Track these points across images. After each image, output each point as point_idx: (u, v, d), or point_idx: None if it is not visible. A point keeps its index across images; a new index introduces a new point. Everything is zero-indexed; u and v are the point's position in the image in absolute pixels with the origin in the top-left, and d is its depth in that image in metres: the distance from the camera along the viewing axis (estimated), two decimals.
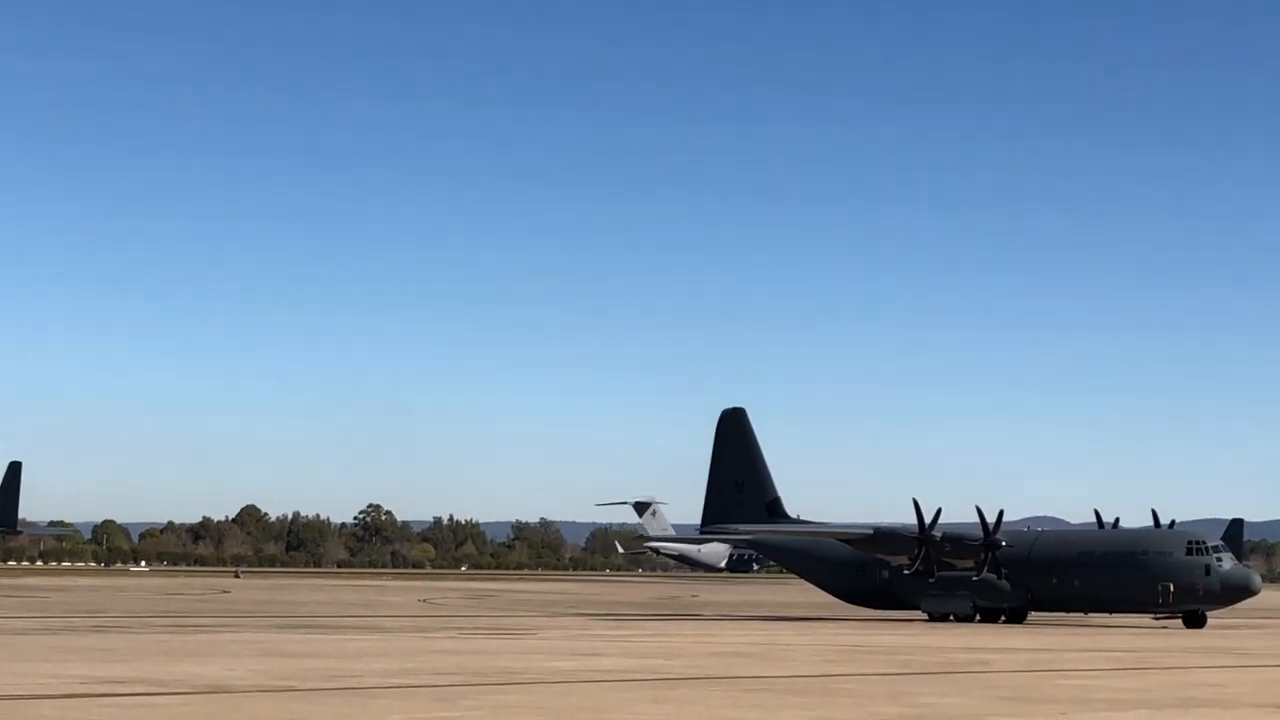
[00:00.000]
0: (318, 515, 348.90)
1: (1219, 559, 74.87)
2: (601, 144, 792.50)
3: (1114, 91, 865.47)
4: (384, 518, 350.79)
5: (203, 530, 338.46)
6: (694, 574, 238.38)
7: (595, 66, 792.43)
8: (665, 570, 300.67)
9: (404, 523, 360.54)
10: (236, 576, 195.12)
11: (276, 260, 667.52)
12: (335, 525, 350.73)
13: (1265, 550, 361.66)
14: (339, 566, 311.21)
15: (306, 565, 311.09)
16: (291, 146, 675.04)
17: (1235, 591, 75.24)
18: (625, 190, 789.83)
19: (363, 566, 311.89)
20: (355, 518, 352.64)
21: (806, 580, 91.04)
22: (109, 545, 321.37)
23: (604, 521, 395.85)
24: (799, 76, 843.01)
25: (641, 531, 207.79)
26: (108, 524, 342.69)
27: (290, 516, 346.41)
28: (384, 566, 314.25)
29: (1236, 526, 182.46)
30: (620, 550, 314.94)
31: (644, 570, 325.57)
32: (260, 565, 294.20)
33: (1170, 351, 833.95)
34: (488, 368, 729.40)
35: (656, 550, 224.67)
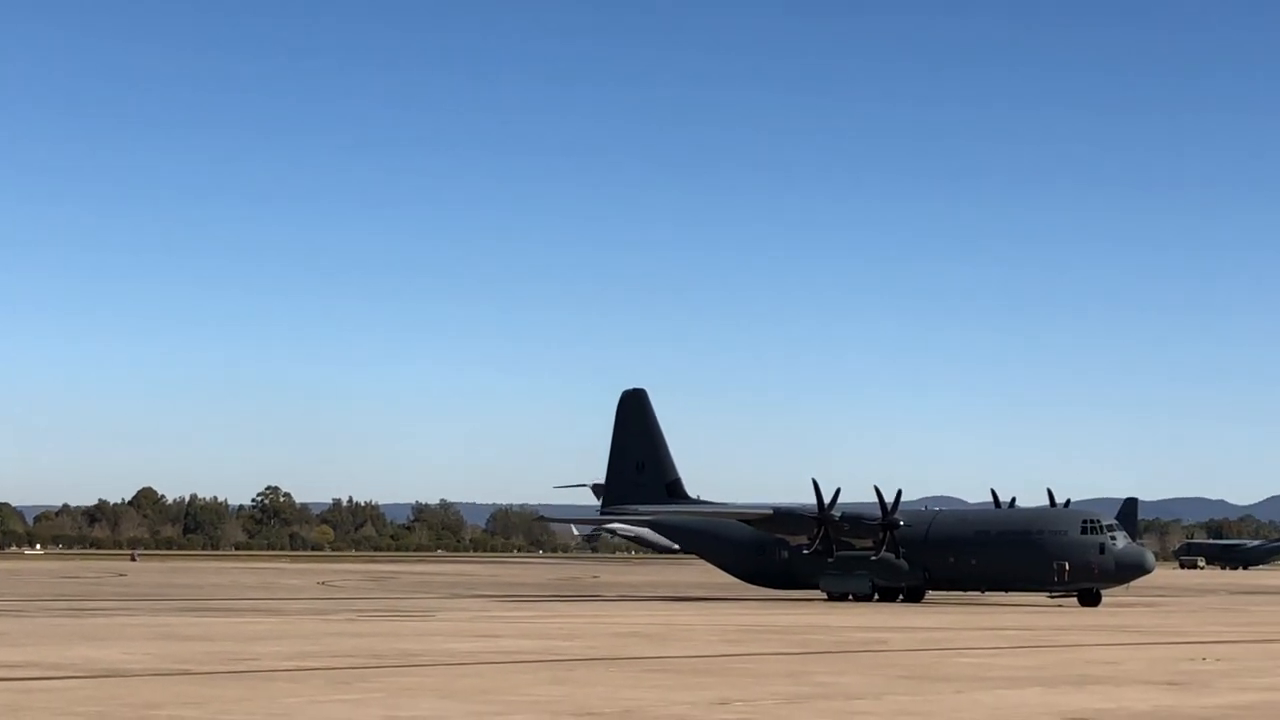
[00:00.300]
0: (215, 497, 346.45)
1: (1113, 538, 75.63)
2: (504, 121, 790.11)
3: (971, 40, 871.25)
4: (282, 500, 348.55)
5: (99, 513, 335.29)
6: (654, 556, 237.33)
7: (486, 35, 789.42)
8: (624, 553, 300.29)
9: (302, 505, 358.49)
10: (133, 559, 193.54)
11: (174, 241, 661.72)
12: (233, 507, 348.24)
13: (1158, 529, 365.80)
14: (237, 549, 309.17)
15: (204, 548, 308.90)
16: (183, 120, 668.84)
17: (1129, 570, 76.06)
18: (527, 171, 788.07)
19: (261, 549, 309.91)
20: (253, 500, 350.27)
21: (707, 561, 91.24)
22: (3, 528, 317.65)
23: (505, 503, 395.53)
24: (706, 51, 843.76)
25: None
26: (1, 507, 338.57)
27: (187, 499, 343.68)
28: (282, 549, 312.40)
29: (1130, 506, 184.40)
30: (576, 533, 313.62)
31: (599, 551, 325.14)
32: (157, 548, 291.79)
33: (1065, 333, 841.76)
34: (386, 349, 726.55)
35: (613, 532, 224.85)
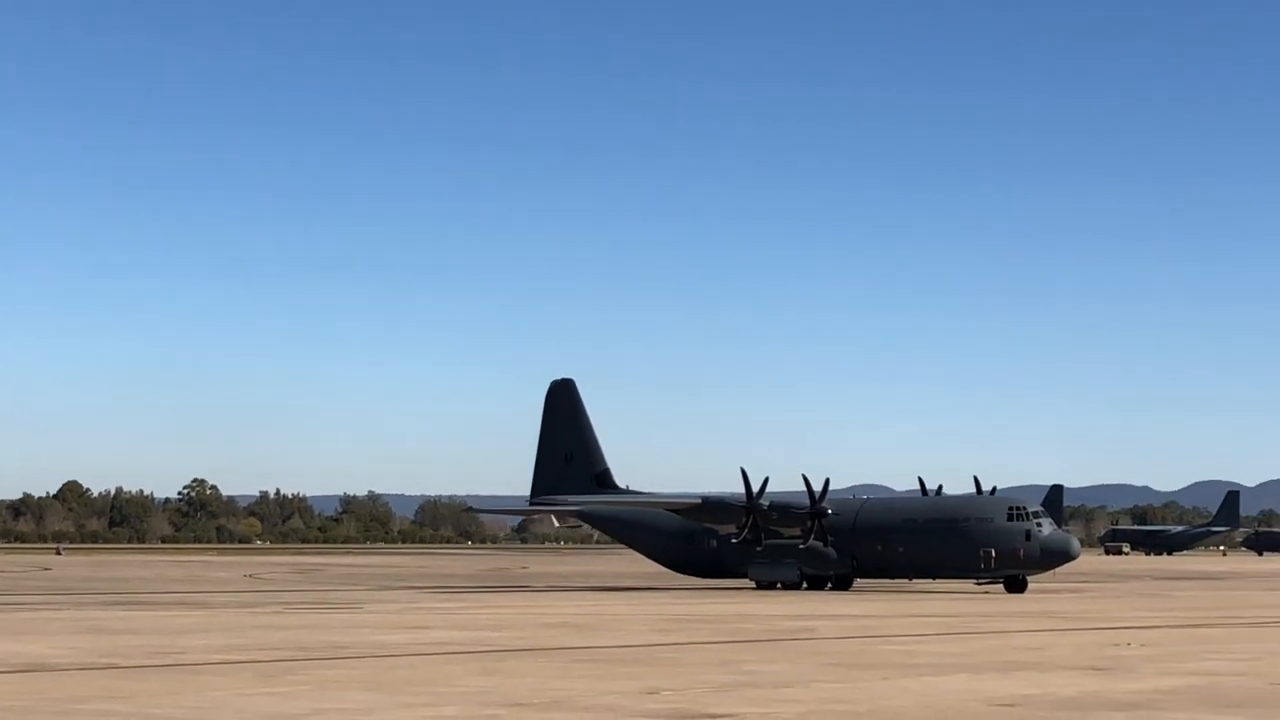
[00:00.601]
0: (141, 491, 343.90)
1: (1039, 524, 76.14)
2: (425, 111, 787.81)
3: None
4: (209, 493, 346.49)
5: (23, 506, 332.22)
6: (583, 546, 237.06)
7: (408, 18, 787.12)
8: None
9: (229, 498, 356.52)
10: (58, 553, 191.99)
11: (99, 231, 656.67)
12: (159, 501, 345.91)
13: (1084, 516, 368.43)
14: (163, 542, 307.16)
15: (130, 541, 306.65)
16: (104, 113, 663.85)
17: (1055, 556, 76.60)
18: (451, 162, 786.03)
19: (188, 542, 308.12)
20: (180, 493, 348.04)
21: (636, 551, 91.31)
22: None
23: (434, 494, 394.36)
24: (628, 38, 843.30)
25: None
26: None
27: (113, 492, 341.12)
28: (209, 542, 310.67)
29: (1056, 493, 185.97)
30: (556, 524, 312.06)
31: (528, 542, 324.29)
32: (83, 542, 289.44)
33: (991, 322, 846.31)
34: (312, 340, 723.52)
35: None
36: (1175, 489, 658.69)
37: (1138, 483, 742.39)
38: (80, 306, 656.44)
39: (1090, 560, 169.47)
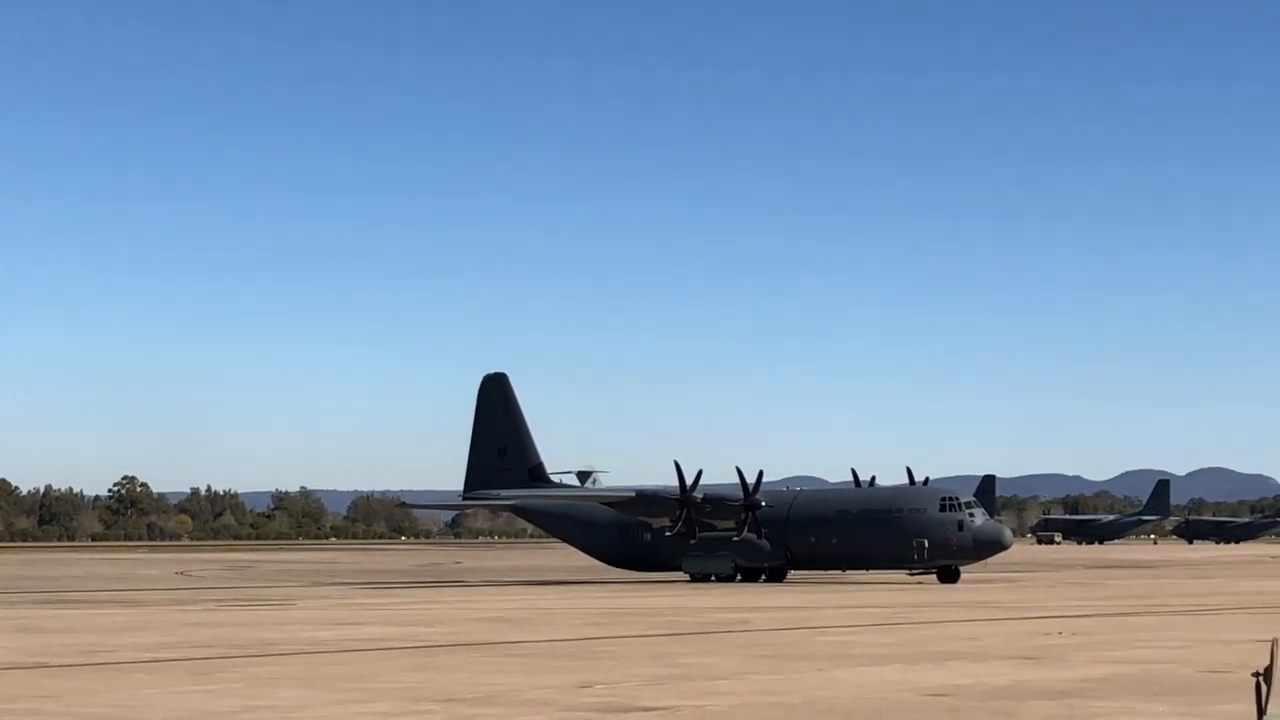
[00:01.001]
0: (70, 488, 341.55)
1: (971, 515, 76.53)
2: (357, 101, 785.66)
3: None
4: (139, 490, 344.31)
5: None
6: (517, 540, 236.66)
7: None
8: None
9: (160, 494, 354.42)
10: None
11: (19, 223, 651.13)
12: (89, 498, 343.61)
13: (1016, 505, 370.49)
14: (93, 540, 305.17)
15: (60, 540, 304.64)
16: (42, 115, 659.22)
17: (987, 546, 77.01)
18: (383, 154, 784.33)
19: (118, 540, 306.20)
20: (109, 490, 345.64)
21: (570, 544, 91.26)
22: None
23: (366, 490, 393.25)
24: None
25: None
26: None
27: (41, 490, 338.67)
28: (140, 539, 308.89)
29: (988, 483, 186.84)
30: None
31: (461, 537, 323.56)
32: (11, 540, 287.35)
33: (922, 312, 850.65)
34: (242, 335, 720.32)
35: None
36: (1106, 478, 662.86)
37: (1069, 472, 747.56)
38: (4, 302, 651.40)
39: (1022, 550, 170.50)
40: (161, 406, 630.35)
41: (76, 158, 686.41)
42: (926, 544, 75.69)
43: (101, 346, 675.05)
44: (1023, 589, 68.24)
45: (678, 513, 79.47)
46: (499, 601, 57.91)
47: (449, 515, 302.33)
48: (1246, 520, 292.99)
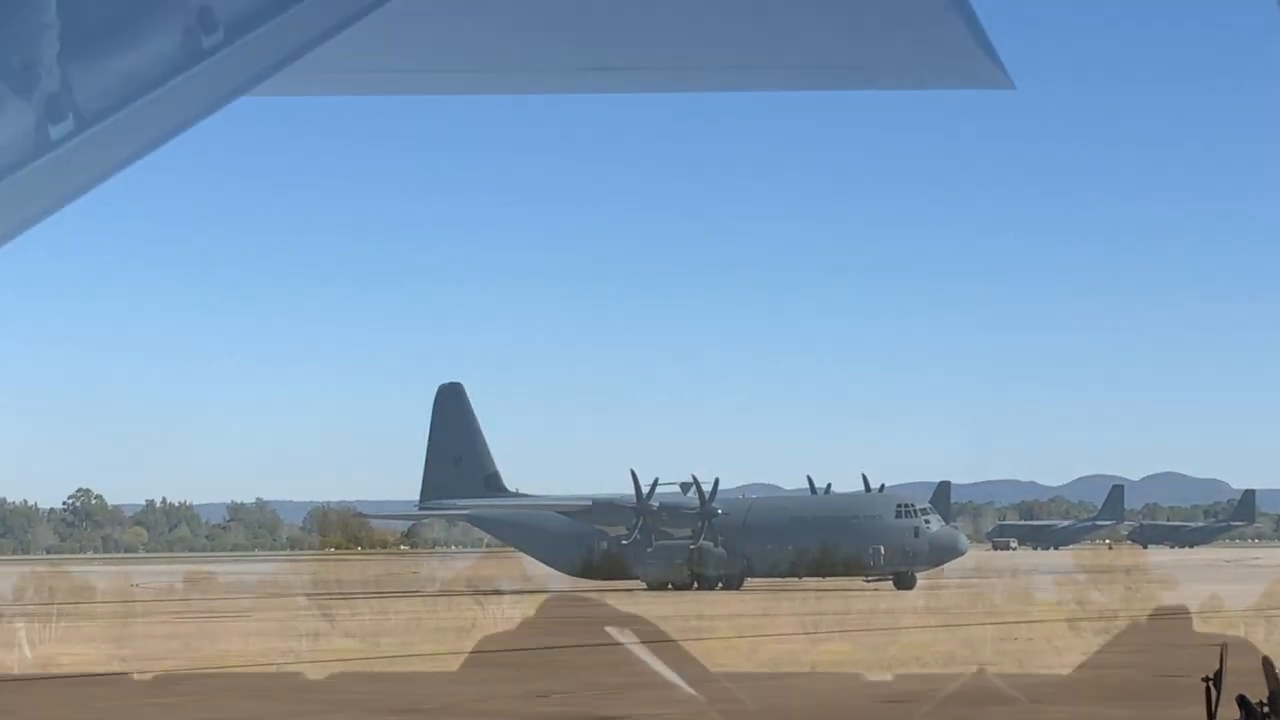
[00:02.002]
0: (24, 501, 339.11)
1: (927, 521, 76.76)
2: (308, 108, 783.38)
3: None
4: (94, 502, 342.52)
5: None
6: (473, 549, 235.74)
7: None
8: None
9: (115, 506, 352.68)
10: None
11: None
12: (43, 511, 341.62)
13: (971, 512, 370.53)
14: (48, 553, 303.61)
15: (14, 553, 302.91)
16: None
17: (943, 552, 77.24)
18: (337, 161, 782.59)
19: (73, 552, 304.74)
20: (64, 502, 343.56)
21: (527, 554, 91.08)
22: None
23: (322, 500, 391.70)
24: None
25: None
26: None
27: None
28: (95, 551, 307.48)
29: (943, 489, 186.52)
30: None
31: (418, 547, 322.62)
32: None
33: (877, 319, 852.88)
34: (196, 345, 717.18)
35: None
36: (1061, 484, 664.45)
37: (1024, 478, 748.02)
38: None
39: (978, 556, 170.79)
40: (116, 418, 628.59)
41: None
42: (883, 551, 75.85)
43: (55, 357, 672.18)
44: (979, 595, 68.42)
45: (634, 521, 79.50)
46: (455, 611, 57.79)
47: (405, 525, 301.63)
48: (1200, 524, 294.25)
